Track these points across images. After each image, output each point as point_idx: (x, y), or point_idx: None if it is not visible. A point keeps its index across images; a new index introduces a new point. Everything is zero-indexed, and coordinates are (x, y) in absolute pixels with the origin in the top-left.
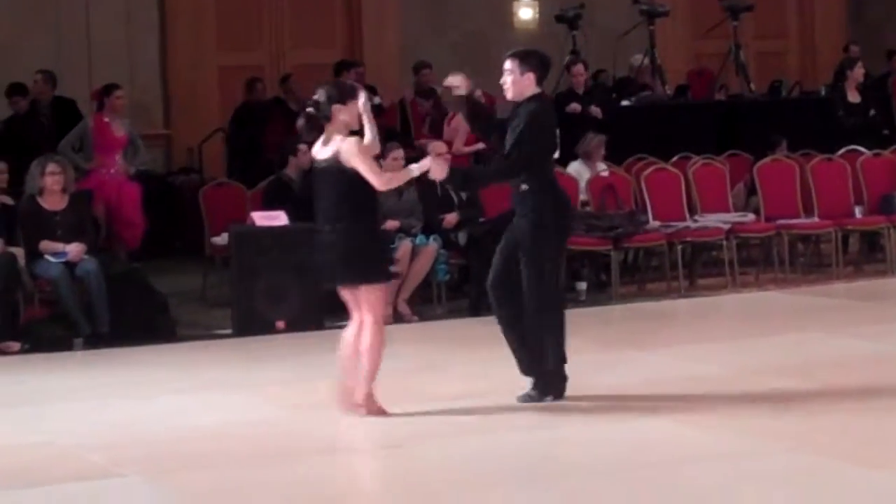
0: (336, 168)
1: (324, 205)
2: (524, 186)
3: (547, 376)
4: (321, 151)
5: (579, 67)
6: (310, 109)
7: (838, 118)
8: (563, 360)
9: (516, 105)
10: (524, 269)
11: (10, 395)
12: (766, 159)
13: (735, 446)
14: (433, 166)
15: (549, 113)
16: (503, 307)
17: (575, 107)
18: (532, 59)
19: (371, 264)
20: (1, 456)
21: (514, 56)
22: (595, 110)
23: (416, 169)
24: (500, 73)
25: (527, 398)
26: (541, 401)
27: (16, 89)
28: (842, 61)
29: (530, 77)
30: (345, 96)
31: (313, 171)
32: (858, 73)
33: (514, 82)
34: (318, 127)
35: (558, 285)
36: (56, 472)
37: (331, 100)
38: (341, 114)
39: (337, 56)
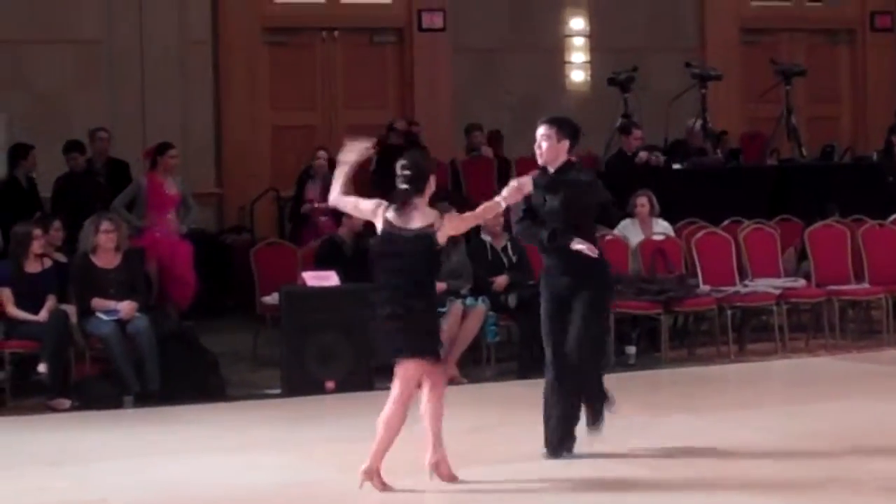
0: (430, 240)
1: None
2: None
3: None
4: (404, 220)
5: (637, 133)
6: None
7: (889, 183)
8: None
9: (555, 171)
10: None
11: (61, 453)
12: (818, 224)
13: None
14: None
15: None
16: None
17: (643, 155)
18: (568, 127)
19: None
20: None
21: (551, 122)
22: (656, 159)
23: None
24: None
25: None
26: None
27: (74, 146)
28: (892, 126)
29: (565, 144)
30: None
31: (391, 237)
32: None
33: (550, 148)
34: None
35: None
36: None
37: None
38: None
39: (389, 116)
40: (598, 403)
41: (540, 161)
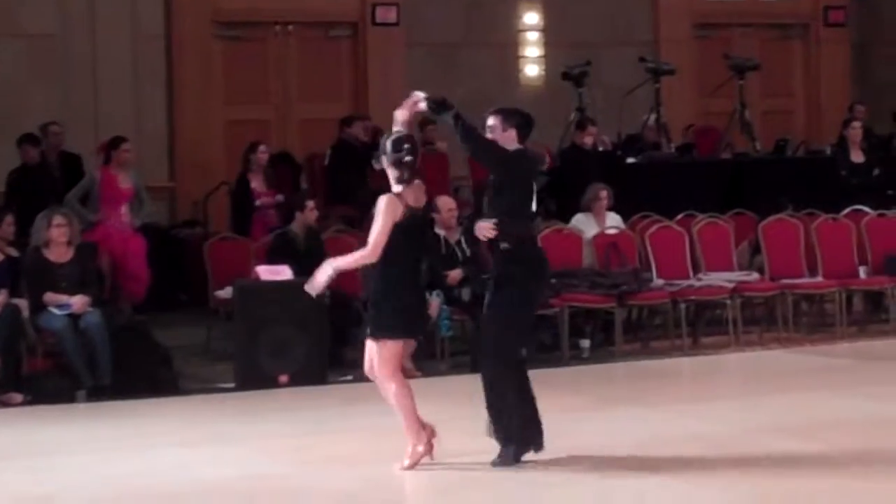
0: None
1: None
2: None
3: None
4: (414, 198)
5: (592, 129)
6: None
7: (842, 178)
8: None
9: None
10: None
11: (13, 447)
12: (771, 218)
13: None
14: None
15: (524, 164)
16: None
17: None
18: (515, 117)
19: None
20: None
21: (497, 112)
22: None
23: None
24: None
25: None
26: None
27: (27, 139)
28: (845, 121)
29: (512, 133)
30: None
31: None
32: (855, 133)
33: (496, 138)
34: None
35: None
36: None
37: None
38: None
39: (343, 110)
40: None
41: None
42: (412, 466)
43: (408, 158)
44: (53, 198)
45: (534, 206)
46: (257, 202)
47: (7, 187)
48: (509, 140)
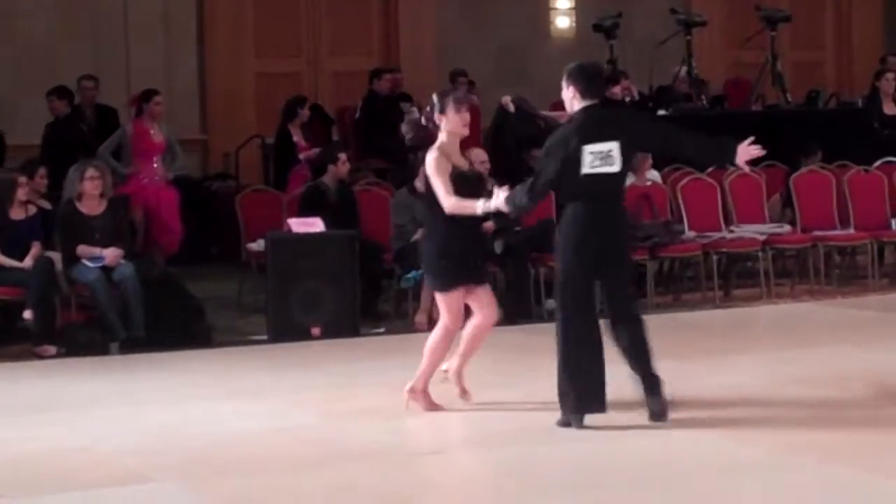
0: None
1: None
2: None
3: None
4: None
5: (625, 83)
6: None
7: (874, 129)
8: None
9: None
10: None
11: (47, 400)
12: (803, 170)
13: (768, 458)
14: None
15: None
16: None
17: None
18: (573, 72)
19: None
20: (38, 460)
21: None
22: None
23: (480, 207)
24: (537, 80)
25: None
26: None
27: (53, 91)
28: (877, 72)
29: (571, 91)
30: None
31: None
32: (888, 84)
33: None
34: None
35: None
36: (92, 477)
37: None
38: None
39: (374, 63)
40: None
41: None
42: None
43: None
44: (84, 151)
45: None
46: (301, 156)
47: (43, 141)
48: (569, 99)
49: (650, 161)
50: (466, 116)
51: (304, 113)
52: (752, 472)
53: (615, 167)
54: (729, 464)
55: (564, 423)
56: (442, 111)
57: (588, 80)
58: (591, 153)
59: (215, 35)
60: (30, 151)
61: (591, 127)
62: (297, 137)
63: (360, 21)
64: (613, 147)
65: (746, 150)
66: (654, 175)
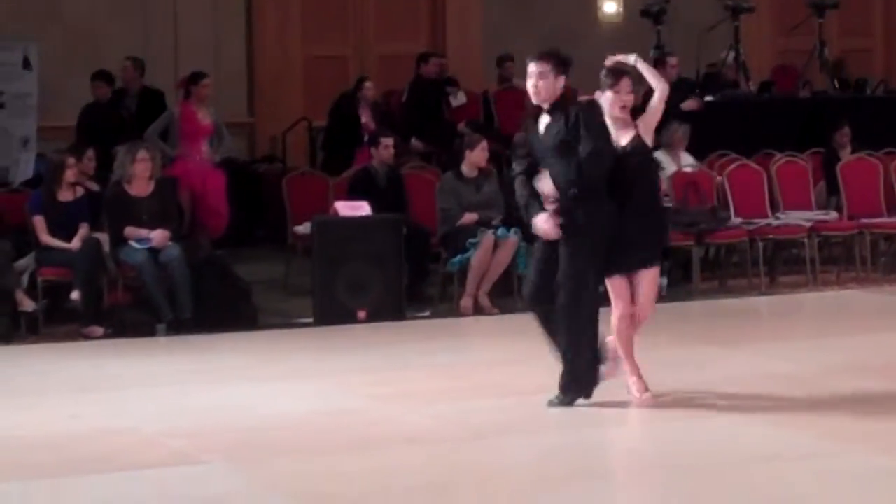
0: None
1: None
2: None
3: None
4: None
5: (673, 60)
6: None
7: None
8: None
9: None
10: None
11: (94, 380)
12: (850, 157)
13: (815, 446)
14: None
15: None
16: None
17: (692, 104)
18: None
19: None
20: (85, 441)
21: (545, 58)
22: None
23: None
24: (584, 65)
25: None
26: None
27: (99, 75)
28: None
29: (563, 80)
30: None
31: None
32: None
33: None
34: None
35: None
36: (139, 457)
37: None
38: None
39: (420, 47)
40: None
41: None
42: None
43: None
44: (125, 134)
45: None
46: (367, 137)
47: (78, 123)
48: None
49: (684, 142)
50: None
51: (366, 93)
52: (799, 461)
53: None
54: (775, 452)
55: (565, 403)
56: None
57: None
58: None
59: (263, 18)
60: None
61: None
62: (365, 118)
63: (407, 5)
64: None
65: (544, 224)
66: (688, 160)
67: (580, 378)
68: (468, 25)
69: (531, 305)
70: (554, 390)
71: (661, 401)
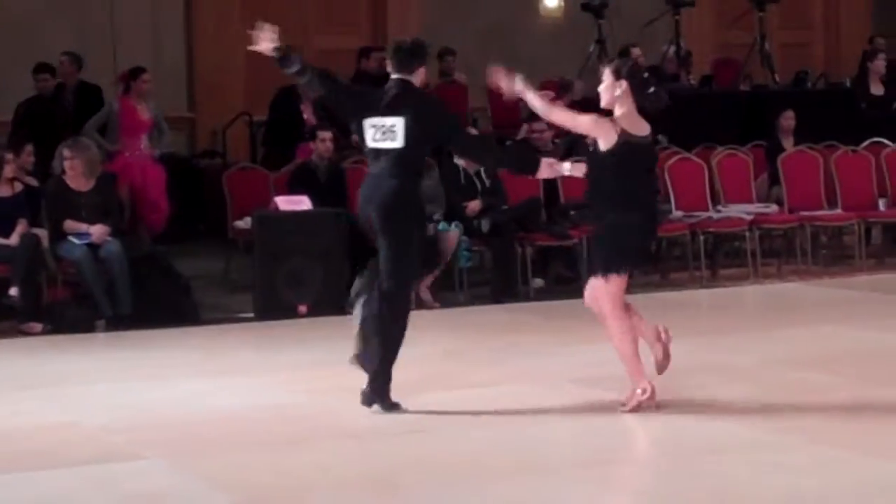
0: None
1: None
2: None
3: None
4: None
5: (637, 51)
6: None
7: (861, 110)
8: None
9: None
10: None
11: (33, 377)
12: (791, 150)
13: (755, 438)
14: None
15: None
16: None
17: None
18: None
19: None
20: (24, 437)
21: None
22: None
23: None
24: (525, 59)
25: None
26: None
27: (44, 68)
28: (864, 53)
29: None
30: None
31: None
32: (879, 64)
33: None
34: None
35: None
36: (79, 453)
37: None
38: None
39: (361, 41)
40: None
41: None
42: (635, 410)
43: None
44: (65, 129)
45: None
46: (308, 132)
47: (14, 116)
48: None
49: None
50: None
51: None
52: (739, 453)
53: (397, 143)
54: (715, 444)
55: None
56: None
57: (393, 55)
58: (373, 126)
59: (203, 12)
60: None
61: (381, 101)
62: (306, 114)
63: None
64: (397, 122)
65: (549, 167)
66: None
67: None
68: (408, 20)
69: None
70: (493, 384)
71: (603, 393)
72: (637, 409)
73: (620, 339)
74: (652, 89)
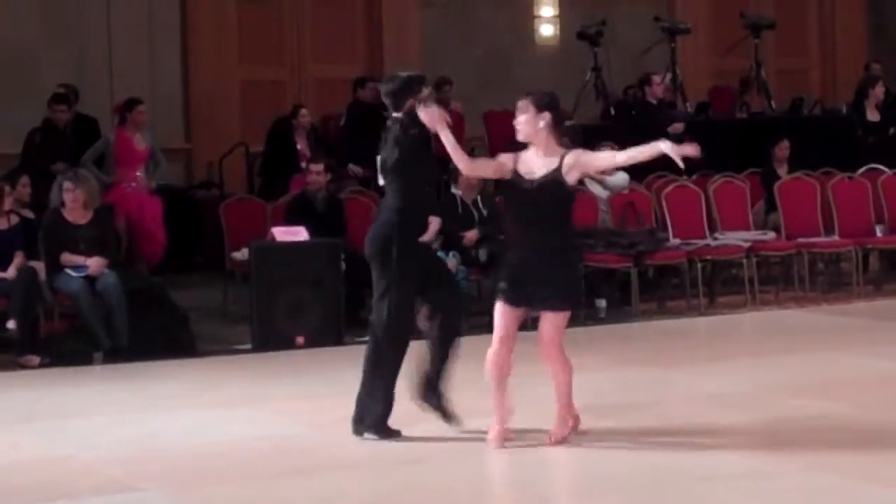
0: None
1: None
2: None
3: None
4: (535, 167)
5: (657, 79)
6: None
7: (858, 137)
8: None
9: None
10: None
11: (30, 410)
12: (787, 178)
13: (753, 465)
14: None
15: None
16: None
17: (678, 127)
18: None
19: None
20: (21, 470)
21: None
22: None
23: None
24: (521, 87)
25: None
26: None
27: (62, 99)
28: (862, 80)
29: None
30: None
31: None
32: (879, 91)
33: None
34: None
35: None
36: (76, 486)
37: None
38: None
39: (358, 71)
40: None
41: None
42: (560, 441)
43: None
44: (64, 160)
45: None
46: (303, 164)
47: (28, 145)
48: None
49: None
50: None
51: (302, 120)
52: (735, 480)
53: (380, 180)
54: (712, 472)
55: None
56: None
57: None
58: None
59: (199, 42)
60: (7, 161)
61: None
62: (301, 146)
63: (344, 28)
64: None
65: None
66: (618, 181)
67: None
68: (405, 49)
69: None
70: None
71: (598, 423)
72: (562, 441)
73: (567, 373)
74: (568, 122)
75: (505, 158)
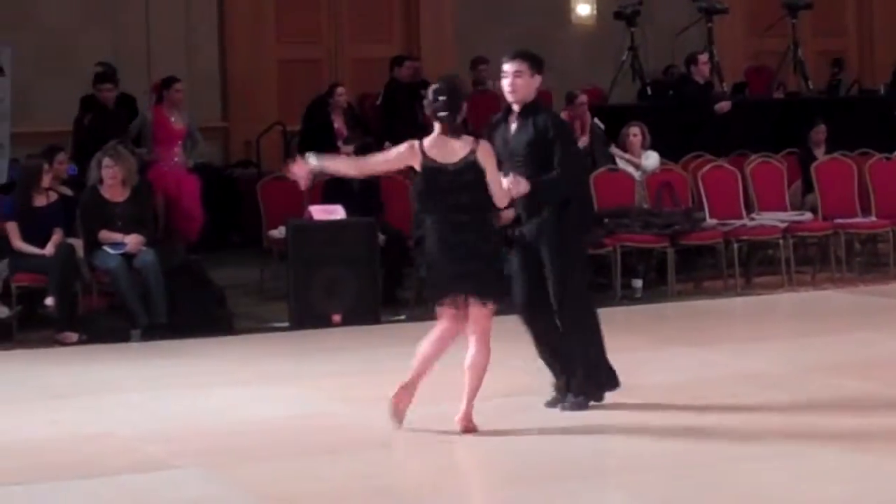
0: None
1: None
2: None
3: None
4: (446, 152)
5: (703, 58)
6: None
7: (895, 117)
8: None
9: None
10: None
11: (69, 386)
12: (825, 158)
13: (790, 446)
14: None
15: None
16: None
17: (724, 105)
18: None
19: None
20: (60, 447)
21: (522, 57)
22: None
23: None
24: (557, 68)
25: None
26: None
27: (106, 77)
28: None
29: (539, 80)
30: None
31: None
32: None
33: (525, 85)
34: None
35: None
36: (114, 463)
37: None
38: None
39: (394, 50)
40: (583, 372)
41: (510, 99)
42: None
43: (441, 114)
44: (117, 138)
45: None
46: (340, 143)
47: (77, 125)
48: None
49: (639, 139)
50: None
51: (338, 99)
52: (774, 460)
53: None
54: (750, 452)
55: (579, 406)
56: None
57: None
58: None
59: (236, 21)
60: (47, 139)
61: None
62: (338, 124)
63: (380, 8)
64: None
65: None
66: (651, 162)
67: (593, 380)
68: (442, 28)
69: (525, 312)
70: (528, 392)
71: (634, 401)
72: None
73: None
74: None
75: (405, 147)
